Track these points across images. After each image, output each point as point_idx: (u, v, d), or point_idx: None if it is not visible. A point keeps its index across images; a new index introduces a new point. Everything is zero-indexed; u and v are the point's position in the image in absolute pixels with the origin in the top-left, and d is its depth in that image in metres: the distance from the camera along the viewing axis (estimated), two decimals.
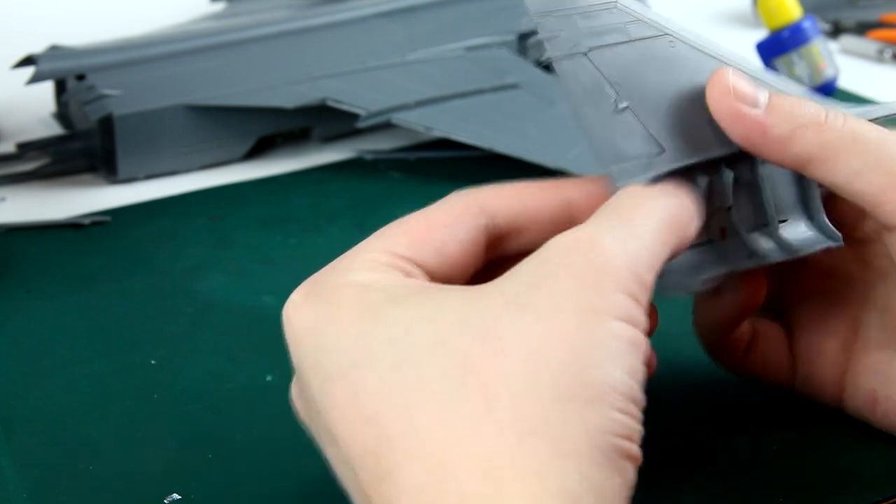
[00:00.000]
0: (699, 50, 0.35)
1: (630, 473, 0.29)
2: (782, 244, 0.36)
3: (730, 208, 0.36)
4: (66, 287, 0.52)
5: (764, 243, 0.36)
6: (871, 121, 0.35)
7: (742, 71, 0.35)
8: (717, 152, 0.35)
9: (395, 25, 0.70)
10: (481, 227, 0.33)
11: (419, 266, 0.32)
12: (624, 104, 0.34)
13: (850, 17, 0.86)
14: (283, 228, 0.57)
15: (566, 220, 0.34)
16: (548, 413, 0.27)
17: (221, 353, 0.46)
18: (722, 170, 0.35)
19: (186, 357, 0.46)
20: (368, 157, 0.66)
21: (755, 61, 0.35)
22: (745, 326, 0.39)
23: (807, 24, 0.70)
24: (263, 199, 0.61)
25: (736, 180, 0.36)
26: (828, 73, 0.70)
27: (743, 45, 0.77)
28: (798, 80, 0.70)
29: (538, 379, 0.27)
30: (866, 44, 0.81)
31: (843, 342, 0.39)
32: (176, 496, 0.38)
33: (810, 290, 0.39)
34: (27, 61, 0.64)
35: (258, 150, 0.66)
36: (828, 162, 0.34)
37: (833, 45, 0.81)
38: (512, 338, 0.28)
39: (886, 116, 0.37)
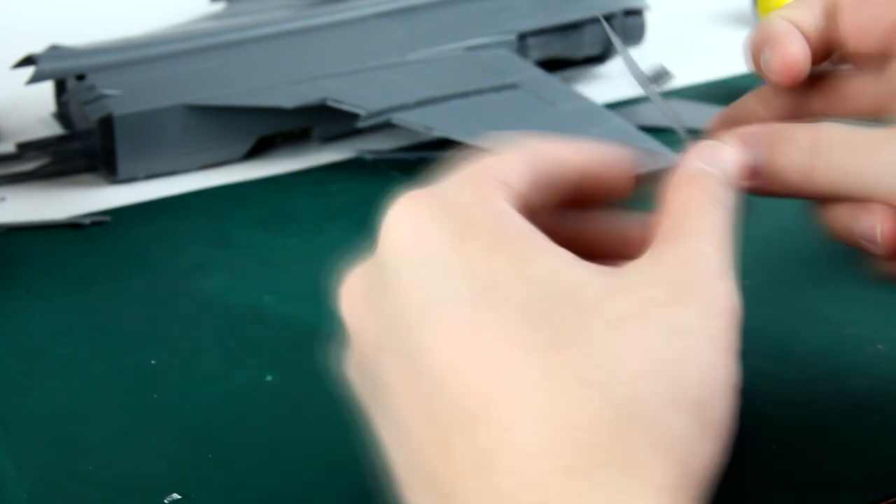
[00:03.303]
0: None
1: None
2: None
3: None
4: (66, 287, 0.52)
5: None
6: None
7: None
8: None
9: (395, 25, 0.70)
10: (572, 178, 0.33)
11: (529, 203, 0.31)
12: None
13: None
14: (283, 228, 0.58)
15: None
16: (680, 431, 0.27)
17: (221, 353, 0.46)
18: None
19: (186, 357, 0.46)
20: (368, 157, 0.66)
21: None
22: None
23: None
24: (263, 199, 0.61)
25: None
26: None
27: (743, 45, 0.77)
28: None
29: (679, 397, 0.27)
30: None
31: None
32: (176, 496, 0.38)
33: None
34: (27, 61, 0.64)
35: (258, 150, 0.66)
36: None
37: None
38: (659, 344, 0.28)
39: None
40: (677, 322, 0.28)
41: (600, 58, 0.77)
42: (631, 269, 0.30)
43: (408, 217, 0.30)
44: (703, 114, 0.71)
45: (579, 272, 0.29)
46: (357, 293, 0.31)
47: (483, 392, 0.27)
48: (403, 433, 0.29)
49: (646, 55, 0.80)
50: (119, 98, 0.62)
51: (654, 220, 0.33)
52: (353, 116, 0.64)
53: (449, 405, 0.27)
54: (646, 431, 0.26)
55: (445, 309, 0.28)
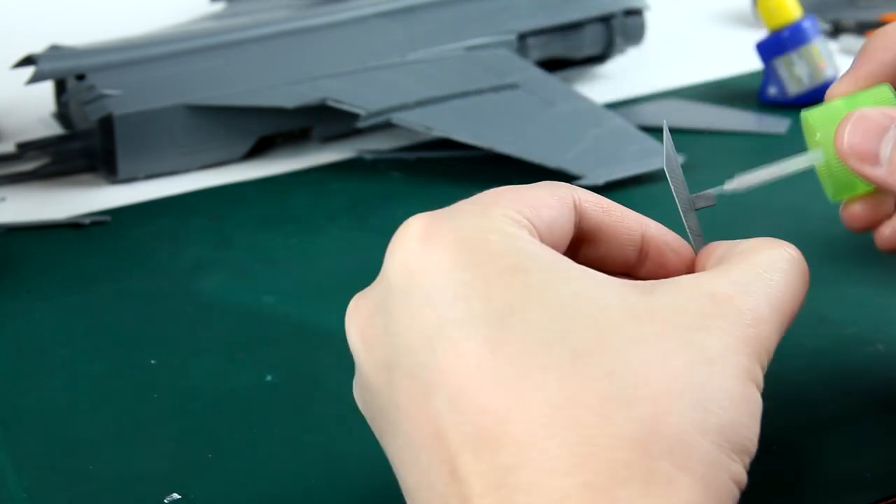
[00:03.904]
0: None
1: None
2: None
3: None
4: (66, 287, 0.52)
5: None
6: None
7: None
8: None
9: (395, 25, 0.70)
10: (574, 220, 0.32)
11: (539, 235, 0.31)
12: None
13: (850, 17, 0.86)
14: (283, 228, 0.57)
15: (638, 249, 0.34)
16: (705, 454, 0.27)
17: (221, 353, 0.46)
18: None
19: (186, 357, 0.46)
20: (368, 157, 0.66)
21: None
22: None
23: (807, 24, 0.70)
24: (263, 199, 0.61)
25: None
26: (828, 73, 0.70)
27: (743, 45, 0.77)
28: (798, 79, 0.70)
29: (704, 420, 0.27)
30: None
31: None
32: (176, 496, 0.38)
33: None
34: (27, 61, 0.64)
35: (258, 150, 0.66)
36: None
37: (833, 45, 0.81)
38: (685, 366, 0.27)
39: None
40: (704, 349, 0.28)
41: (600, 58, 0.77)
42: (667, 287, 0.29)
43: (416, 240, 0.29)
44: (703, 114, 0.71)
45: (604, 292, 0.28)
46: (364, 315, 0.30)
47: (499, 410, 0.26)
48: (412, 455, 0.28)
49: (646, 55, 0.81)
50: (119, 98, 0.62)
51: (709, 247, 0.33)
52: (353, 116, 0.64)
53: (460, 425, 0.27)
54: (669, 450, 0.26)
55: (459, 329, 0.28)
